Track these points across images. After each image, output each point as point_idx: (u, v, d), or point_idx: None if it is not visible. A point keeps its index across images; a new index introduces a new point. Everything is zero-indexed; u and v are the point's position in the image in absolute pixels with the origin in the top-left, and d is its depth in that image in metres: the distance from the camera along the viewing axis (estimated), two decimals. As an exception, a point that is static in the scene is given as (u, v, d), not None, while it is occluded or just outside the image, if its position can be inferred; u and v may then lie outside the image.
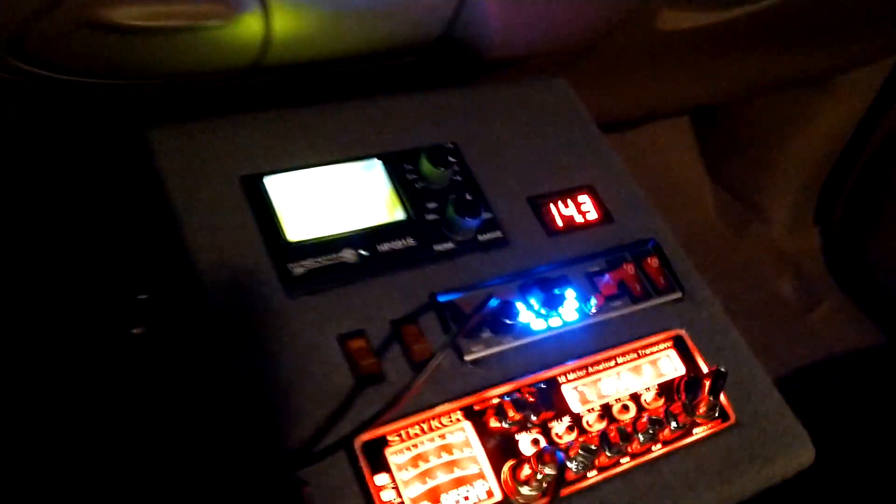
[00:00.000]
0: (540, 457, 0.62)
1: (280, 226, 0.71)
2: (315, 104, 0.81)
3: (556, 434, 0.69)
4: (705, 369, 0.77)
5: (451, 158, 0.78)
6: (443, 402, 0.67)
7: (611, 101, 1.35)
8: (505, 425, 0.66)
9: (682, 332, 0.79)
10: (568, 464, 0.66)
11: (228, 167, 0.73)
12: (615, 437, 0.67)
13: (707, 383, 0.72)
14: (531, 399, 0.68)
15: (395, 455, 0.64)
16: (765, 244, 1.98)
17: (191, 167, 0.72)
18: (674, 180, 2.09)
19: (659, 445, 0.72)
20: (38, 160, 0.76)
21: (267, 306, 0.67)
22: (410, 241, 0.75)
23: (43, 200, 0.83)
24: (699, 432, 0.74)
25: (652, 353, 0.77)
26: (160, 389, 0.70)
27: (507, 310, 0.71)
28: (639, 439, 0.70)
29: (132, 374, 0.69)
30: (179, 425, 0.70)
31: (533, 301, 0.75)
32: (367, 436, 0.63)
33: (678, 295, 0.82)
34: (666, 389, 0.75)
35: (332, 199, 0.75)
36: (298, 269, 0.69)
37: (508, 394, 0.67)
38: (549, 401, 0.68)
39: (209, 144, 0.74)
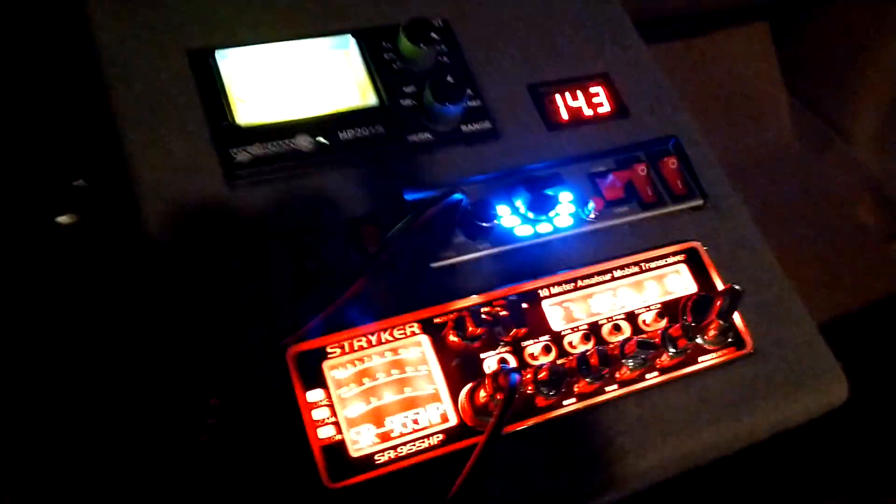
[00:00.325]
0: (495, 378, 0.53)
1: (229, 106, 0.63)
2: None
3: (530, 355, 0.60)
4: (721, 288, 0.65)
5: (435, 35, 0.67)
6: (398, 314, 0.58)
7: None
8: (465, 342, 0.57)
9: (698, 245, 0.68)
10: (541, 389, 0.57)
11: (175, 39, 0.65)
12: (595, 360, 0.57)
13: (718, 303, 0.61)
14: (502, 313, 0.59)
15: (336, 370, 0.56)
16: (845, 165, 1.80)
17: (131, 37, 0.63)
18: (746, 92, 1.90)
19: (655, 373, 0.62)
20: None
21: (204, 195, 0.59)
22: (379, 130, 0.65)
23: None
24: (706, 360, 0.63)
25: (658, 268, 0.66)
26: (89, 283, 0.63)
27: (483, 210, 0.61)
28: (627, 365, 0.59)
29: (60, 266, 0.62)
30: (109, 319, 0.64)
31: (519, 203, 0.65)
32: (302, 346, 0.55)
33: (698, 202, 0.71)
34: (670, 309, 0.64)
35: (293, 80, 0.66)
36: (242, 154, 0.61)
37: (473, 306, 0.58)
38: (521, 316, 0.58)
39: (155, 13, 0.65)
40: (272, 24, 0.67)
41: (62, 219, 0.59)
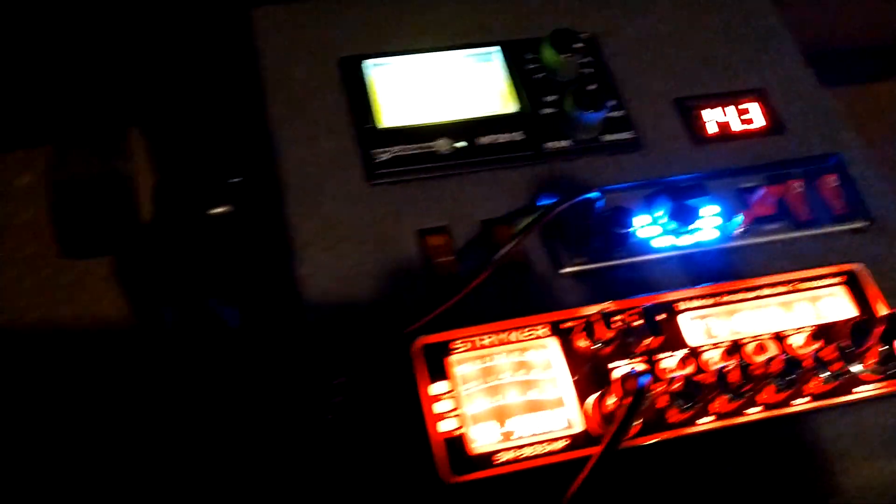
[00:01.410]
0: (624, 381, 0.50)
1: (374, 110, 0.65)
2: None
3: (664, 369, 0.57)
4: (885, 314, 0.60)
5: (578, 45, 0.67)
6: (527, 315, 0.57)
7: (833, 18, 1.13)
8: (595, 346, 0.55)
9: (859, 268, 0.63)
10: (676, 400, 0.54)
11: (329, 48, 0.68)
12: (736, 376, 0.53)
13: (880, 328, 0.55)
14: (635, 322, 0.56)
15: (462, 365, 0.55)
16: None
17: (289, 46, 0.68)
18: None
19: (805, 399, 0.57)
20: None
21: (346, 191, 0.62)
22: (517, 136, 0.65)
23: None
24: (864, 390, 0.58)
25: (812, 289, 0.61)
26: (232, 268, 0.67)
27: (620, 216, 0.60)
28: (773, 385, 0.55)
29: (210, 256, 0.67)
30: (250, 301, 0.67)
31: (659, 213, 0.63)
32: (429, 338, 0.55)
33: (862, 224, 0.65)
34: (823, 333, 0.59)
35: (438, 88, 0.68)
36: (384, 154, 0.63)
37: (605, 312, 0.56)
38: (656, 326, 0.55)
39: (312, 25, 0.69)
40: (419, 35, 0.70)
41: (216, 210, 0.63)
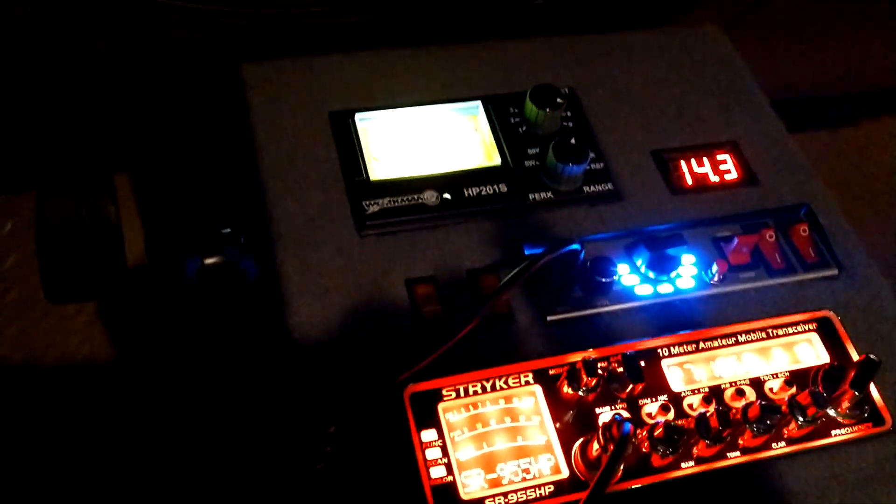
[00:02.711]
0: (608, 428, 0.52)
1: (363, 163, 0.67)
2: (420, 46, 0.76)
3: (648, 414, 0.58)
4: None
5: (560, 100, 0.70)
6: (513, 363, 0.59)
7: (799, 68, 1.18)
8: (580, 393, 0.57)
9: (831, 315, 0.65)
10: (657, 446, 0.56)
11: (318, 102, 0.70)
12: (715, 422, 0.55)
13: (852, 373, 0.58)
14: (619, 369, 0.58)
15: (451, 412, 0.57)
16: None
17: (279, 100, 0.70)
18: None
19: (782, 443, 0.59)
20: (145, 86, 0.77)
21: (335, 242, 0.63)
22: (502, 188, 0.67)
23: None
24: (840, 434, 0.60)
25: (788, 335, 0.64)
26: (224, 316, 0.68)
27: (602, 266, 0.62)
28: (751, 430, 0.57)
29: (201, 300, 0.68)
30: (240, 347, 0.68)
31: (639, 262, 0.65)
32: (419, 386, 0.57)
33: (833, 272, 0.68)
34: (798, 379, 0.61)
35: (425, 141, 0.70)
36: (373, 206, 0.65)
37: (589, 360, 0.58)
38: (639, 373, 0.57)
39: (302, 80, 0.71)
40: (407, 91, 0.72)
41: (208, 260, 0.65)
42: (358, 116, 0.70)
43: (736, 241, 0.67)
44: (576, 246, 0.58)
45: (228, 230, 0.69)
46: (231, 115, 0.71)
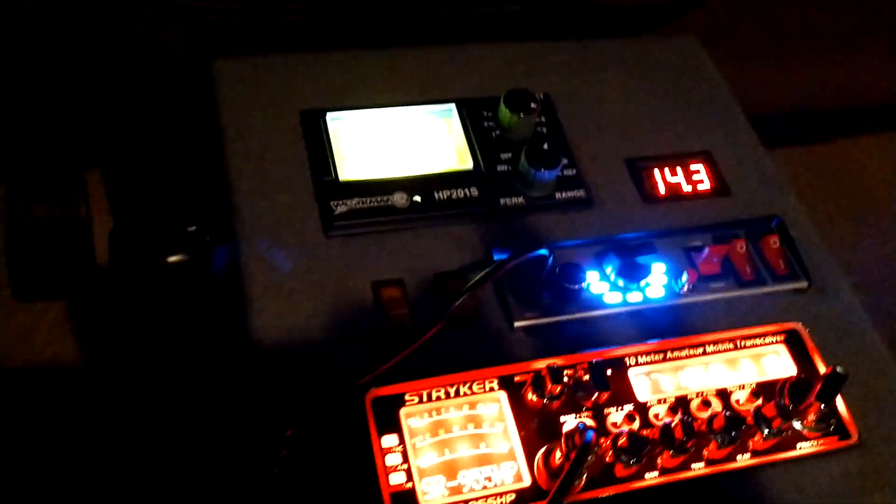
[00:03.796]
0: (571, 437, 0.51)
1: (333, 163, 0.66)
2: (396, 47, 0.75)
3: (613, 423, 0.58)
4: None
5: (533, 105, 0.69)
6: (478, 368, 0.58)
7: (777, 85, 1.18)
8: (545, 401, 0.56)
9: (799, 327, 0.65)
10: (621, 456, 0.55)
11: (290, 100, 0.70)
12: (679, 432, 0.55)
13: (818, 386, 0.57)
14: (585, 377, 0.57)
15: (413, 418, 0.56)
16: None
17: (250, 96, 0.69)
18: (877, 203, 1.83)
19: (747, 455, 0.58)
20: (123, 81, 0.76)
21: (301, 242, 0.62)
22: (473, 192, 0.67)
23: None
24: (806, 447, 0.59)
25: (755, 346, 0.63)
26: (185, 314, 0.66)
27: (571, 273, 0.61)
28: (716, 441, 0.56)
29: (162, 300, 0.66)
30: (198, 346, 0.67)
31: (609, 269, 0.64)
32: (381, 391, 0.56)
33: (802, 284, 0.68)
34: (765, 390, 0.61)
35: (396, 143, 0.69)
36: (341, 207, 0.64)
37: (554, 367, 0.57)
38: (604, 381, 0.57)
39: (275, 77, 0.71)
40: (380, 91, 0.71)
41: (172, 258, 0.63)
42: (330, 116, 0.69)
43: (707, 251, 0.66)
44: (544, 251, 0.58)
45: (194, 228, 0.67)
46: (202, 110, 0.70)
